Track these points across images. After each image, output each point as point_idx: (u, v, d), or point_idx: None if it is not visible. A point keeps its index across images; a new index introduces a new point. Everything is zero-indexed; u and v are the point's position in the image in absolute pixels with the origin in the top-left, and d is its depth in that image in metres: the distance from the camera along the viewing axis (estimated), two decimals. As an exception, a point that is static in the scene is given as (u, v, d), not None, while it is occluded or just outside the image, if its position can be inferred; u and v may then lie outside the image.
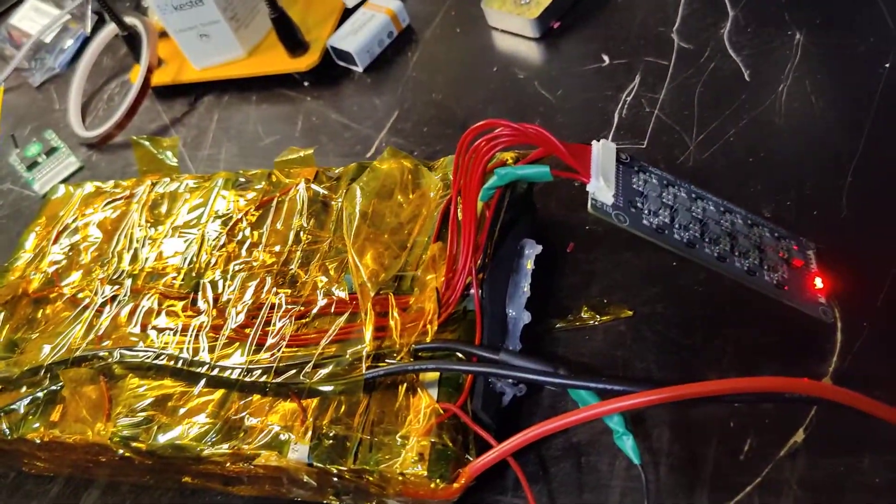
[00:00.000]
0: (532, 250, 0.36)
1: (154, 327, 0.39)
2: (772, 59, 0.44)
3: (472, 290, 0.34)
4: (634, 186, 0.34)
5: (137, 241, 0.44)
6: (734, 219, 0.35)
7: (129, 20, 0.61)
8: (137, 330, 0.39)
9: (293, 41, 0.57)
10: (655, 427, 0.33)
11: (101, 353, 0.38)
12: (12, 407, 0.38)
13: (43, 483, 0.43)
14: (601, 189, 0.32)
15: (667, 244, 0.32)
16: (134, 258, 0.43)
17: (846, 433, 0.31)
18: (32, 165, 0.60)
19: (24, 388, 0.39)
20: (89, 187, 0.48)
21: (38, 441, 0.37)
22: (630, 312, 0.37)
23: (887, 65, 0.41)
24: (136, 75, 0.60)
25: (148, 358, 0.37)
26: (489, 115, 0.33)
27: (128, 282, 0.42)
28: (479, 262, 0.34)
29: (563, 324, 0.38)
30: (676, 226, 0.33)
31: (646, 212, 0.33)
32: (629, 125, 0.45)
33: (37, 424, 0.37)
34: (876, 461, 0.30)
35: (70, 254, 0.45)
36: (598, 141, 0.34)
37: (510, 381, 0.33)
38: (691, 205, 0.34)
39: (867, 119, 0.40)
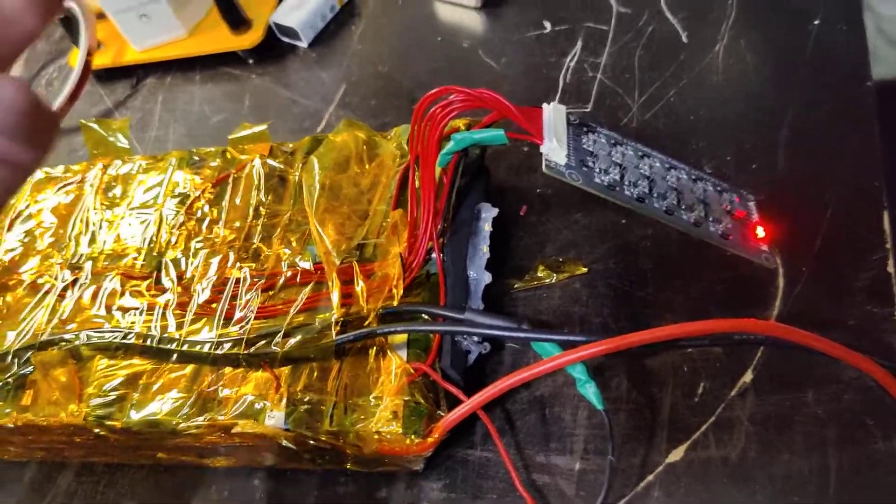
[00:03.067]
0: (489, 213, 0.37)
1: (119, 308, 0.39)
2: (707, 20, 0.46)
3: (435, 254, 0.35)
4: (585, 146, 0.35)
5: (94, 224, 0.44)
6: (679, 174, 0.37)
7: (66, 2, 0.60)
8: (102, 311, 0.39)
9: (235, 18, 0.57)
10: (614, 377, 0.35)
11: (68, 336, 0.38)
12: (-20, 395, 0.38)
13: (16, 468, 0.43)
14: (555, 149, 0.33)
15: (619, 200, 0.34)
16: (92, 241, 0.43)
17: (790, 371, 0.33)
18: (-27, 154, 0.59)
19: (-10, 376, 0.39)
20: (39, 174, 0.48)
21: (10, 426, 0.37)
22: (585, 269, 0.38)
23: (816, 22, 0.43)
24: (76, 59, 0.59)
25: (116, 338, 0.38)
26: (436, 85, 0.34)
27: (87, 265, 0.42)
28: (439, 226, 0.35)
29: (520, 284, 0.39)
30: (626, 182, 0.35)
31: (597, 170, 0.34)
32: (573, 90, 0.46)
33: (8, 410, 0.37)
34: (818, 394, 0.32)
35: (25, 241, 0.45)
36: (549, 104, 0.35)
37: (475, 339, 0.34)
38: (639, 162, 0.36)
39: (799, 74, 0.42)
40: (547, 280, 0.39)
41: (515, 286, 0.39)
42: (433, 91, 0.34)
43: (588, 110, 0.45)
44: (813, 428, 0.32)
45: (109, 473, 0.40)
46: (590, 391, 0.32)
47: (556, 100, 0.46)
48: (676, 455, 0.33)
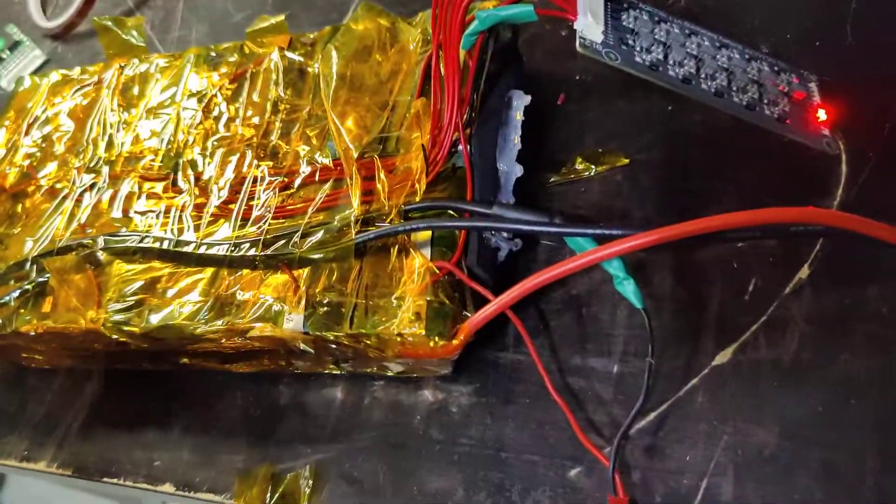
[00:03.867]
0: (520, 101, 0.34)
1: (137, 211, 0.38)
2: None
3: (461, 146, 0.33)
4: (625, 23, 0.32)
5: (111, 127, 0.42)
6: (731, 53, 0.33)
7: None
8: (119, 215, 0.38)
9: None
10: (657, 273, 0.32)
11: (86, 241, 0.37)
12: (2, 301, 0.38)
13: (45, 377, 0.42)
14: (590, 26, 0.30)
15: (662, 81, 0.31)
16: (109, 144, 0.41)
17: (852, 266, 0.30)
18: (-3, 62, 0.58)
19: (11, 283, 0.38)
20: (55, 76, 0.46)
21: (32, 333, 0.36)
22: (626, 160, 0.35)
23: None
24: (95, -42, 0.57)
25: (133, 242, 0.36)
26: (472, -35, 0.31)
27: (105, 168, 0.40)
28: (465, 116, 0.33)
29: (557, 177, 0.36)
30: (671, 62, 0.31)
31: (638, 49, 0.31)
32: (617, -33, 0.42)
33: (29, 317, 0.36)
34: (883, 291, 0.29)
35: (43, 145, 0.43)
36: (584, -24, 0.32)
37: (505, 235, 0.32)
38: (685, 40, 0.32)
39: (870, -62, 0.37)
40: (585, 173, 0.36)
41: (551, 180, 0.36)
42: (455, -36, 0.31)
43: (632, -11, 0.41)
44: (876, 327, 0.29)
45: (136, 380, 0.40)
46: (628, 289, 0.29)
47: (597, -21, 0.42)
48: (723, 357, 0.30)
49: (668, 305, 0.32)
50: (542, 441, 0.31)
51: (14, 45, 0.58)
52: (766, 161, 0.33)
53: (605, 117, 0.37)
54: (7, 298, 0.38)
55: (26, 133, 0.44)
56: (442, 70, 0.33)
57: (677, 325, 0.31)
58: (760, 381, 0.29)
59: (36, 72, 0.57)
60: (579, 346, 0.32)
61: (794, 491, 0.27)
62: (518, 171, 0.33)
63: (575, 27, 0.30)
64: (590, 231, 0.29)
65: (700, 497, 0.28)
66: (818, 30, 0.36)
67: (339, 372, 0.35)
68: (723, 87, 0.32)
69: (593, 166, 0.36)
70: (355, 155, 0.33)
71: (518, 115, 0.34)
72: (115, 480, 0.38)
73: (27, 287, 0.37)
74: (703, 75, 0.31)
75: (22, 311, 0.37)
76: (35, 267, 0.38)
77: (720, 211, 0.33)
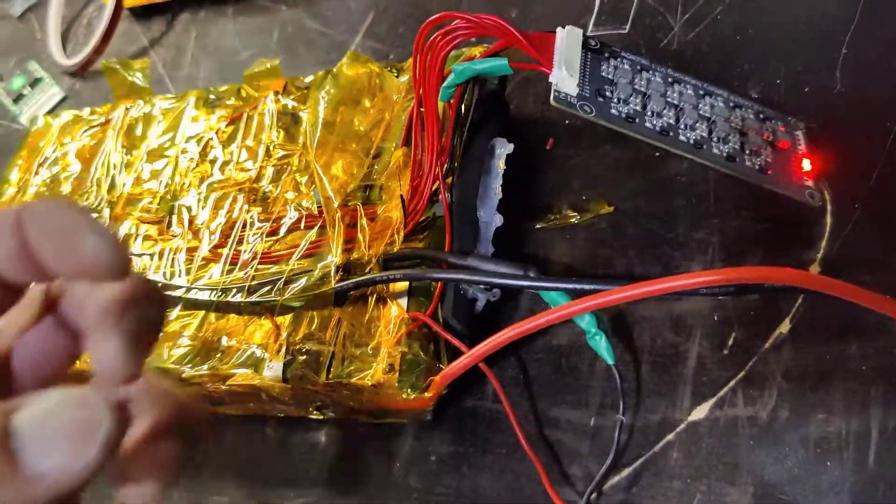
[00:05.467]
0: (503, 149, 0.34)
1: (133, 253, 0.38)
2: (763, -75, 0.41)
3: (441, 196, 0.33)
4: (603, 74, 0.32)
5: (115, 168, 0.43)
6: (714, 102, 0.33)
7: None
8: (116, 257, 0.39)
9: (266, -53, 0.54)
10: (636, 324, 0.32)
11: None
12: None
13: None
14: (564, 79, 0.30)
15: (638, 133, 0.31)
16: (112, 185, 0.42)
17: (833, 321, 0.30)
18: (18, 98, 0.59)
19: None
20: (67, 116, 0.47)
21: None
22: (610, 209, 0.35)
23: (885, -78, 0.38)
24: (112, -4, 0.58)
25: (126, 284, 0.37)
26: (464, 10, 0.31)
27: (106, 210, 0.41)
28: (445, 165, 0.33)
29: (542, 224, 0.36)
30: (649, 113, 0.31)
31: (615, 100, 0.31)
32: (610, 10, 0.42)
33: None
34: (863, 348, 0.29)
35: (51, 185, 0.45)
36: (563, 28, 0.32)
37: (482, 286, 0.32)
38: (666, 90, 0.32)
39: (863, -16, 0.37)
40: (571, 220, 0.36)
41: (537, 226, 0.36)
42: (433, 17, 0.31)
43: (625, 31, 0.41)
44: (856, 385, 0.29)
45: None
46: (600, 344, 0.29)
47: (592, 20, 0.42)
48: (700, 413, 0.30)
49: (646, 358, 0.31)
50: (517, 493, 0.31)
51: (35, 82, 0.59)
52: (752, 210, 0.33)
53: (592, 163, 0.37)
54: None
55: (36, 173, 0.45)
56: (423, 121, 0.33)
57: (655, 379, 0.31)
58: (736, 438, 0.29)
59: (53, 109, 0.58)
60: (557, 397, 0.32)
61: (764, 554, 0.27)
62: (498, 220, 0.33)
63: (550, 80, 0.30)
64: (561, 285, 0.29)
65: (670, 557, 0.28)
66: (808, 76, 0.35)
67: (322, 417, 0.35)
68: (703, 138, 0.31)
69: (578, 214, 0.36)
70: (336, 204, 0.34)
71: (500, 164, 0.34)
72: (105, 519, 0.38)
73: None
74: (682, 126, 0.31)
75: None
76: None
77: (704, 262, 0.33)
